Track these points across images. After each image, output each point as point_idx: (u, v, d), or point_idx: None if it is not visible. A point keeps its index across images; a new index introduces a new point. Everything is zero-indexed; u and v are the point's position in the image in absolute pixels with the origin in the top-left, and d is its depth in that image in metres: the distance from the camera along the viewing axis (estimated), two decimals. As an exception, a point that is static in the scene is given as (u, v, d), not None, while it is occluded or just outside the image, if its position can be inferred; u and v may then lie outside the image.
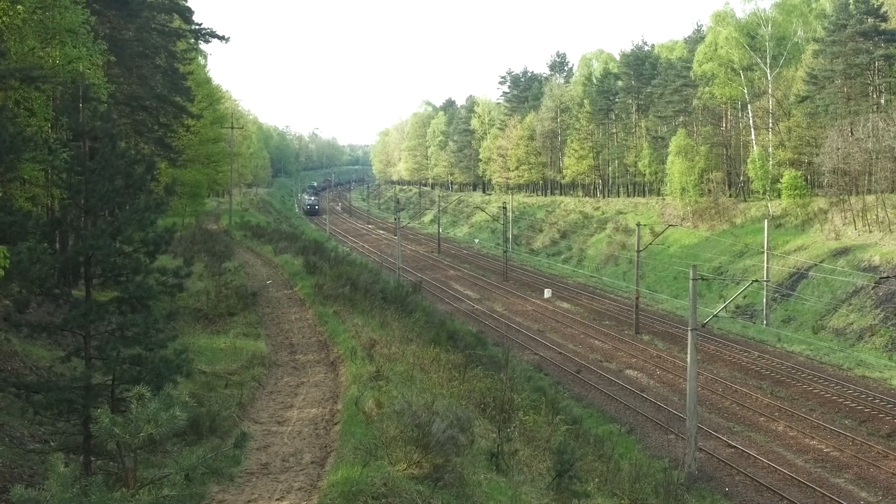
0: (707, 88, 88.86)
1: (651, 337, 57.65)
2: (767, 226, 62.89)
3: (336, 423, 19.66)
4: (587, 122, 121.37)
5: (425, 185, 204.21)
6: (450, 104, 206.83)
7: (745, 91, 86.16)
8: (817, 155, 72.97)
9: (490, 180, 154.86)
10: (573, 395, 43.44)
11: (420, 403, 18.17)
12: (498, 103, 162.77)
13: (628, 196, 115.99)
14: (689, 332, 33.31)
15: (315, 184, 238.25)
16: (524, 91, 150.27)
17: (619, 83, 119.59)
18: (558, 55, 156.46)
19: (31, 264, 13.48)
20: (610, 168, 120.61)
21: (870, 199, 65.32)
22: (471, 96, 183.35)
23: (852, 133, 68.84)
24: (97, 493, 8.17)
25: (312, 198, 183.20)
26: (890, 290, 51.91)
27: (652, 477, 25.54)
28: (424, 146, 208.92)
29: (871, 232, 62.18)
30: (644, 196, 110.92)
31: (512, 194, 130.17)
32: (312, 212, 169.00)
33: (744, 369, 48.20)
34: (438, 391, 22.54)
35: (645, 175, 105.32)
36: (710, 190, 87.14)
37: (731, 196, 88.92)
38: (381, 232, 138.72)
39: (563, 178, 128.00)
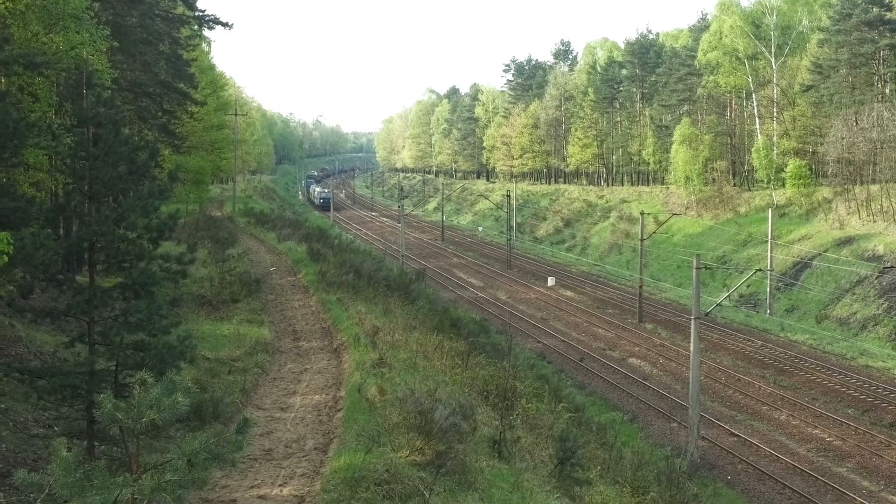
0: (712, 77, 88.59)
1: (654, 326, 57.65)
2: (771, 215, 62.78)
3: (339, 410, 19.69)
4: (591, 111, 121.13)
5: (429, 173, 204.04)
6: (454, 92, 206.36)
7: (750, 80, 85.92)
8: (822, 144, 72.81)
9: (494, 168, 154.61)
10: (576, 383, 43.46)
11: (423, 390, 18.18)
12: (502, 91, 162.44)
13: (632, 185, 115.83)
14: (693, 321, 33.32)
15: (315, 172, 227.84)
16: (528, 79, 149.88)
17: (624, 72, 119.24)
18: (563, 43, 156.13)
19: (34, 250, 13.48)
20: (614, 156, 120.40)
21: (874, 188, 65.20)
22: (475, 84, 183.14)
23: (857, 122, 68.67)
24: (100, 478, 8.19)
25: (326, 190, 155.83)
26: (894, 280, 51.86)
27: (654, 465, 25.56)
28: (428, 134, 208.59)
29: (875, 222, 62.08)
30: (648, 185, 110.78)
31: (516, 182, 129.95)
32: (325, 206, 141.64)
33: (747, 358, 48.20)
34: (441, 378, 22.54)
35: (649, 164, 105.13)
36: (714, 179, 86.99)
37: (735, 185, 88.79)
38: (385, 219, 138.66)
39: (567, 166, 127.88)
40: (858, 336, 50.84)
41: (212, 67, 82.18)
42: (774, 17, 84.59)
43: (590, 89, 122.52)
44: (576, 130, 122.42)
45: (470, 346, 30.90)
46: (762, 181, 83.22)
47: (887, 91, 73.53)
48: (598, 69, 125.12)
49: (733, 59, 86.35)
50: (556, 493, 17.37)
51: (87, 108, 14.61)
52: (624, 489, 20.64)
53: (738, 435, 35.88)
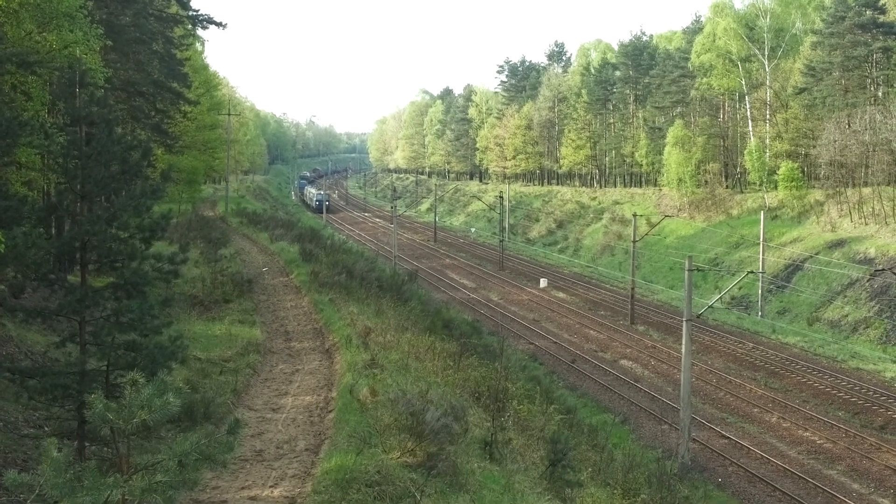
0: (705, 79, 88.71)
1: (646, 327, 57.72)
2: (764, 217, 62.93)
3: (330, 411, 19.68)
4: (585, 112, 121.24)
5: (422, 174, 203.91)
6: (447, 93, 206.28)
7: (743, 82, 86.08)
8: (814, 147, 72.96)
9: (487, 169, 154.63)
10: (568, 384, 43.51)
11: (414, 392, 18.19)
12: (495, 92, 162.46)
13: (625, 186, 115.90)
14: (684, 323, 33.38)
15: (307, 173, 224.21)
16: (522, 80, 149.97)
17: (617, 73, 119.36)
18: (556, 45, 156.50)
19: (26, 249, 13.45)
20: (607, 158, 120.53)
21: (866, 191, 65.35)
22: (468, 85, 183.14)
23: (849, 125, 68.82)
24: (91, 479, 8.19)
25: (321, 192, 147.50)
26: (885, 283, 51.99)
27: (645, 467, 25.59)
28: (421, 135, 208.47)
29: (866, 224, 62.24)
30: (641, 186, 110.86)
31: (509, 183, 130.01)
32: (321, 208, 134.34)
33: (738, 360, 48.29)
34: (433, 380, 22.55)
35: (642, 165, 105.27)
36: (706, 181, 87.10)
37: (727, 187, 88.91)
38: (378, 220, 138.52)
39: (560, 167, 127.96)
40: (849, 338, 50.96)
41: (205, 67, 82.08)
42: (768, 19, 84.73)
43: (583, 91, 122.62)
44: (569, 132, 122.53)
45: (462, 347, 30.90)
46: (754, 183, 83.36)
47: (880, 94, 73.72)
48: (592, 71, 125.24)
49: (726, 61, 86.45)
50: (548, 495, 17.38)
51: (79, 107, 14.58)
52: (615, 491, 20.66)
53: (728, 437, 35.94)
